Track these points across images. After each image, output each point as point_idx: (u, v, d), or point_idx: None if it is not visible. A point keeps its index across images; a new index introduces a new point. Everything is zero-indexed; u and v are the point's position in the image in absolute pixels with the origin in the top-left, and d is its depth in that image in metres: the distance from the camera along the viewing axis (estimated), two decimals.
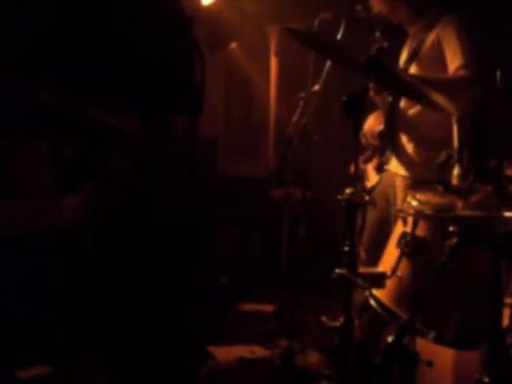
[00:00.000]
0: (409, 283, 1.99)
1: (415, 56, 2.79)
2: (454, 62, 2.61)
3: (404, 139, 2.85)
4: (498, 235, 1.73)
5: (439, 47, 2.68)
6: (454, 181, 2.05)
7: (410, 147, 2.82)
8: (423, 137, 2.77)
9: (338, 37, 2.87)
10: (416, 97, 2.47)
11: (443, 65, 2.66)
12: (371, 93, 2.79)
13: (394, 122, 2.86)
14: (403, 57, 2.90)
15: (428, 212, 2.00)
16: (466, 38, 2.62)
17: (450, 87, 2.52)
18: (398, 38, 2.98)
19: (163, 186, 3.60)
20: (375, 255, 2.31)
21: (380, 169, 3.07)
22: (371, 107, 3.17)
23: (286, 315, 3.11)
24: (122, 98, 2.98)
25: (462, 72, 2.57)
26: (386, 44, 2.15)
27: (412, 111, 2.79)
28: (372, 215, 2.86)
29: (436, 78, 2.60)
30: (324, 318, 2.05)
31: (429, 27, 2.76)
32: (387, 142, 2.94)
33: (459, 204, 1.94)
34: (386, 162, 3.02)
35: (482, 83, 2.53)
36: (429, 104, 2.37)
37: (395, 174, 2.90)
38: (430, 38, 2.73)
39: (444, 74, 2.64)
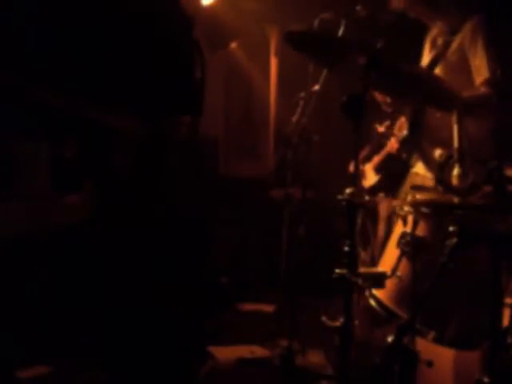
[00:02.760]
0: (409, 283, 1.99)
1: (439, 60, 2.79)
2: (480, 74, 2.62)
3: (430, 143, 2.84)
4: (497, 235, 1.73)
5: (463, 53, 2.69)
6: (454, 181, 2.05)
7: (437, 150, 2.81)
8: (449, 140, 2.75)
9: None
10: (417, 96, 2.47)
11: (467, 70, 2.67)
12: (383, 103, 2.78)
13: (419, 126, 2.85)
14: (425, 61, 2.90)
15: (428, 212, 2.00)
16: (494, 50, 2.62)
17: (472, 106, 2.52)
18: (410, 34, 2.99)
19: (163, 186, 3.60)
20: None
21: (404, 174, 3.07)
22: (371, 108, 3.16)
23: (286, 315, 3.10)
24: (121, 98, 2.97)
25: (485, 89, 2.59)
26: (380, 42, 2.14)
27: (438, 114, 2.77)
28: None
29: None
30: (324, 318, 2.05)
31: (452, 32, 2.76)
32: (413, 147, 2.93)
33: (459, 204, 1.94)
34: (414, 165, 3.02)
35: (501, 96, 2.54)
36: (430, 103, 2.37)
37: (424, 177, 2.90)
38: (455, 42, 2.73)
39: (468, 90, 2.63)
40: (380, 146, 4.45)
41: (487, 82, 2.59)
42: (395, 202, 2.76)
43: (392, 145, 4.26)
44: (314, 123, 3.08)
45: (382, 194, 4.23)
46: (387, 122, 4.43)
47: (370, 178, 4.52)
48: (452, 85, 2.37)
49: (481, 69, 2.61)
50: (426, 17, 2.87)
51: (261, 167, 5.35)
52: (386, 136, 4.41)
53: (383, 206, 4.21)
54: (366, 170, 4.56)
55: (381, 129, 4.48)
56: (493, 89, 2.58)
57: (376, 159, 4.47)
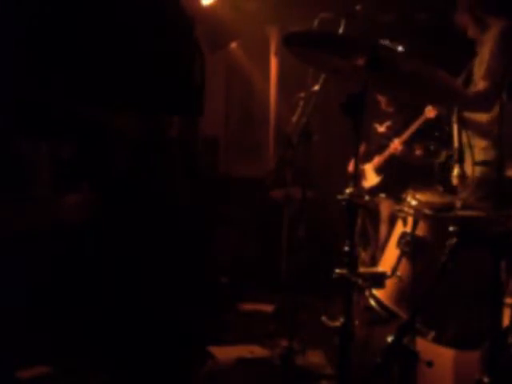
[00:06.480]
0: (409, 283, 1.99)
1: (471, 73, 2.78)
2: (481, 67, 2.62)
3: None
4: (498, 235, 1.73)
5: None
6: (454, 181, 2.05)
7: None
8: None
9: None
10: (420, 94, 2.46)
11: None
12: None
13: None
14: None
15: (428, 212, 2.00)
16: (500, 47, 2.60)
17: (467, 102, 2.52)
18: None
19: (163, 185, 3.60)
20: None
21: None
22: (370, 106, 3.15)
23: (286, 315, 3.10)
24: (121, 98, 2.97)
25: (482, 83, 2.57)
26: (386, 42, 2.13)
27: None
28: None
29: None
30: (324, 318, 2.05)
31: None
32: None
33: (459, 204, 1.94)
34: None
35: (495, 95, 2.53)
36: (431, 99, 2.35)
37: None
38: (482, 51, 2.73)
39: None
40: (381, 146, 4.44)
41: (483, 77, 2.59)
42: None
43: (395, 146, 4.25)
44: (314, 123, 3.07)
45: (383, 195, 4.22)
46: (388, 123, 4.43)
47: (371, 178, 4.50)
48: (456, 82, 2.36)
49: (483, 64, 2.61)
50: (471, 30, 2.84)
51: (261, 167, 5.35)
52: (386, 136, 4.40)
53: (384, 207, 4.20)
54: (365, 169, 4.54)
55: (381, 129, 4.47)
56: (489, 82, 2.56)
57: (377, 160, 4.45)
